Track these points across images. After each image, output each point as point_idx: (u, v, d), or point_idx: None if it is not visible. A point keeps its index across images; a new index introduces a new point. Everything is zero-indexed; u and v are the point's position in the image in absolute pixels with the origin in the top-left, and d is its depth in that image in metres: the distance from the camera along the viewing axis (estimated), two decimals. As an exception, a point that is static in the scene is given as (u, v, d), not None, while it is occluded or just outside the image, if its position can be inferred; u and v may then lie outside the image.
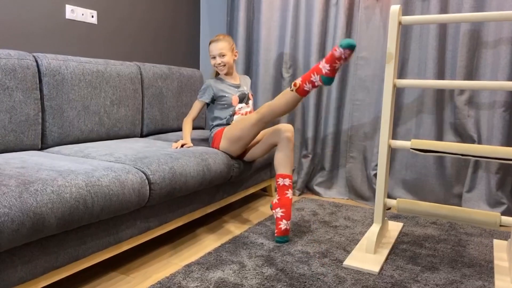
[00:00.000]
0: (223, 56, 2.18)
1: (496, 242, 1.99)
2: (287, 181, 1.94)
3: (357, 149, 2.75)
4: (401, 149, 2.61)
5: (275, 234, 1.91)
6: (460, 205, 2.48)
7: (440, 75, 2.47)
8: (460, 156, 1.72)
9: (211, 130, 2.25)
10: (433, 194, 2.57)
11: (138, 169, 1.57)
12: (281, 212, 1.91)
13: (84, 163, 1.50)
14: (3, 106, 1.64)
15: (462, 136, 2.46)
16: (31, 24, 2.05)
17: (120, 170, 1.47)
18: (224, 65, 2.20)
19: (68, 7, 2.25)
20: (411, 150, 1.81)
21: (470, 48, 2.38)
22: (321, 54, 2.77)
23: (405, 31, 2.54)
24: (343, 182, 2.84)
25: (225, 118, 2.21)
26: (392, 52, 1.79)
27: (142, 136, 2.38)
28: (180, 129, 2.64)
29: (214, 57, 2.19)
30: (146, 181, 1.55)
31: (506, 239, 2.04)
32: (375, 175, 2.61)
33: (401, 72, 2.58)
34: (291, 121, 2.91)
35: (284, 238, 1.90)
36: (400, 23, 1.80)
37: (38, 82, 1.77)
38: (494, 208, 2.35)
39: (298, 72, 2.86)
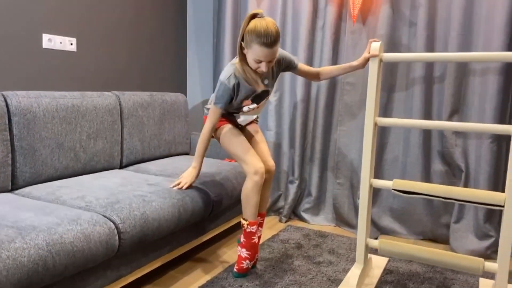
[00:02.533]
0: (270, 62, 1.73)
1: (482, 281, 1.93)
2: (254, 228, 1.88)
3: (344, 175, 2.69)
4: (389, 172, 2.56)
5: (235, 269, 1.91)
6: (447, 236, 2.43)
7: (428, 102, 2.42)
8: (443, 199, 1.67)
9: (204, 109, 2.05)
10: (421, 223, 2.51)
11: (107, 218, 1.51)
12: (247, 253, 1.88)
13: (50, 213, 1.44)
14: (-31, 151, 1.58)
15: (450, 165, 2.41)
16: (4, 56, 2.00)
17: (87, 223, 1.41)
18: (266, 70, 1.74)
19: (45, 36, 2.19)
20: (392, 191, 1.76)
21: (457, 76, 2.33)
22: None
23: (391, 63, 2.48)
24: (330, 208, 2.78)
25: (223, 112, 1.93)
26: (373, 90, 1.74)
27: (121, 167, 2.32)
28: (162, 157, 2.58)
29: (260, 61, 1.70)
30: (115, 230, 1.49)
31: (492, 278, 1.99)
32: (362, 203, 2.55)
33: (388, 98, 2.52)
34: (277, 146, 2.86)
35: (243, 275, 1.91)
36: (381, 60, 1.75)
37: (7, 122, 1.72)
38: (482, 240, 2.30)
39: (285, 96, 2.80)
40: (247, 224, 1.86)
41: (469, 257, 1.65)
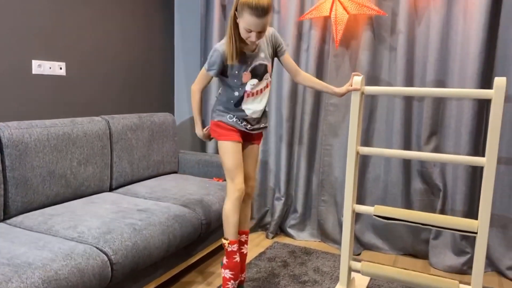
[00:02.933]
0: (260, 33, 1.73)
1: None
2: (243, 237, 1.99)
3: (328, 193, 2.78)
4: (371, 190, 2.66)
5: None
6: (427, 251, 2.54)
7: (407, 123, 2.52)
8: (421, 226, 1.76)
9: (212, 113, 1.99)
10: (401, 240, 2.62)
11: (99, 250, 1.56)
12: (230, 274, 1.90)
13: (44, 247, 1.49)
14: (-38, 185, 1.61)
15: (429, 184, 2.52)
16: (-5, 86, 2.03)
17: (80, 257, 1.47)
18: (256, 41, 1.75)
19: (35, 62, 2.23)
20: (374, 216, 1.85)
21: (435, 99, 2.44)
22: (293, 97, 2.79)
23: (374, 82, 2.58)
24: (315, 224, 2.87)
25: (230, 103, 1.89)
26: (355, 122, 1.82)
27: (111, 189, 2.37)
28: (151, 177, 2.63)
29: (250, 31, 1.71)
30: (108, 262, 1.55)
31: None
32: (346, 221, 2.64)
33: (369, 120, 2.62)
34: (264, 163, 2.93)
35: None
36: (363, 93, 1.83)
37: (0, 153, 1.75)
38: (459, 257, 2.41)
39: (271, 115, 2.88)
40: (228, 243, 1.90)
41: (445, 280, 1.75)
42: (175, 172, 2.87)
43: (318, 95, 2.76)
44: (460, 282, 2.18)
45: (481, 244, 1.66)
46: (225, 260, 1.95)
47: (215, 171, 2.76)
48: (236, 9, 1.75)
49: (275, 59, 1.99)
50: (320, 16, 2.59)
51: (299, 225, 2.88)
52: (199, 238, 2.14)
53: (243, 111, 1.92)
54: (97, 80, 2.59)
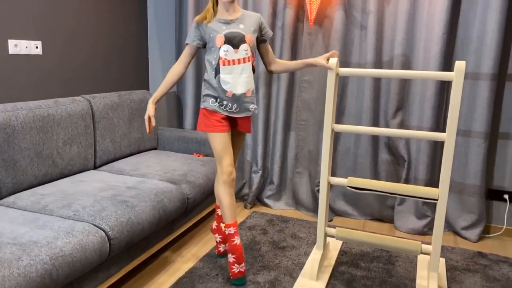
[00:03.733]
0: None
1: (420, 257, 2.29)
2: (232, 230, 1.93)
3: (302, 165, 2.96)
4: (342, 162, 2.85)
5: (231, 277, 1.96)
6: (392, 216, 2.79)
7: (376, 99, 2.69)
8: (389, 195, 1.96)
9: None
10: (369, 206, 2.85)
11: (97, 227, 1.66)
12: (233, 258, 1.93)
13: (44, 226, 1.57)
14: (-45, 169, 1.64)
15: (395, 155, 2.74)
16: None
17: (81, 233, 1.56)
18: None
19: (11, 42, 2.20)
20: (347, 187, 2.03)
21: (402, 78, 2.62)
22: (269, 76, 2.90)
23: (345, 60, 2.72)
24: (290, 194, 3.06)
25: (211, 74, 1.89)
26: (330, 101, 1.97)
27: (95, 168, 2.43)
28: (132, 154, 2.70)
29: None
30: (106, 238, 1.65)
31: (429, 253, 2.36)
32: (318, 190, 2.84)
33: (342, 96, 2.78)
34: (241, 138, 3.05)
35: (240, 281, 1.95)
36: (337, 74, 1.97)
37: (-12, 137, 1.78)
38: (420, 220, 2.68)
39: (247, 91, 2.97)
40: (224, 226, 1.98)
41: (409, 241, 1.98)
42: (155, 149, 2.95)
43: (292, 73, 2.87)
44: (422, 242, 2.45)
45: (441, 209, 1.88)
46: (214, 224, 2.09)
47: (195, 147, 2.86)
48: None
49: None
50: (294, -4, 2.68)
51: (275, 195, 3.05)
52: (185, 212, 2.26)
53: (222, 88, 1.88)
54: (73, 59, 2.58)
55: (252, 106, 1.98)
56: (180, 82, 3.19)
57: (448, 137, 1.82)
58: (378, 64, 2.66)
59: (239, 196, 3.13)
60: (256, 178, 3.03)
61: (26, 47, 2.28)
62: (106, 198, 1.88)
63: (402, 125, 2.67)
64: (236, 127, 2.03)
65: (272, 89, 2.94)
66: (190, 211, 2.37)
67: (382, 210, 2.83)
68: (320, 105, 2.83)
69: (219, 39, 1.84)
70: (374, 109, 2.70)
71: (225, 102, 1.92)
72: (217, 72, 1.88)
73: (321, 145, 2.82)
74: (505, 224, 2.62)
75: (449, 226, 2.69)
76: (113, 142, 2.50)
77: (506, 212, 2.60)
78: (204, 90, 1.96)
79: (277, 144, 2.96)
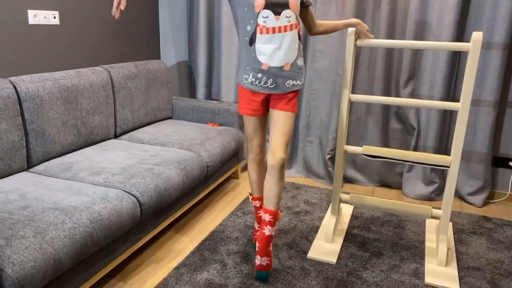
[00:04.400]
0: None
1: (428, 221, 2.41)
2: (267, 217, 1.76)
3: (314, 134, 3.03)
4: (353, 131, 2.93)
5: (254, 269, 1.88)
6: (401, 183, 2.89)
7: (388, 69, 2.74)
8: (402, 162, 2.05)
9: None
10: (378, 173, 2.95)
11: (129, 193, 1.75)
12: (258, 246, 1.79)
13: (79, 193, 1.66)
14: (-9, 139, 1.72)
15: (405, 124, 2.81)
16: (-3, 39, 2.04)
17: (115, 199, 1.65)
18: None
19: (31, 12, 2.22)
20: (362, 155, 2.11)
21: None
22: (281, 45, 2.92)
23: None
24: (301, 162, 3.15)
25: (245, 43, 1.70)
26: (348, 72, 2.02)
27: (116, 137, 2.50)
28: (149, 123, 2.77)
29: None
30: (137, 203, 1.74)
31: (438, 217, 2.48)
32: (330, 158, 2.93)
33: (354, 64, 2.81)
34: (253, 107, 3.11)
35: (261, 274, 1.78)
36: (355, 45, 2.01)
37: (19, 108, 1.84)
38: (428, 186, 2.78)
39: (259, 61, 3.01)
40: (251, 198, 2.03)
41: (420, 206, 2.08)
42: (170, 118, 3.01)
43: (305, 42, 2.90)
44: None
45: (452, 176, 1.97)
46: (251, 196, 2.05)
47: (209, 117, 2.92)
48: None
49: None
50: (309, -36, 2.66)
51: (287, 163, 3.15)
52: (205, 178, 2.35)
53: (258, 60, 1.69)
54: (89, 29, 2.60)
55: (289, 82, 1.73)
56: (192, 51, 3.21)
57: (463, 106, 1.88)
58: (390, 34, 2.69)
59: (252, 164, 3.22)
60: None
61: (45, 17, 2.30)
62: (133, 166, 1.97)
63: (413, 95, 2.73)
64: (275, 107, 1.77)
65: (284, 58, 2.97)
66: (209, 178, 2.47)
67: (390, 177, 2.94)
68: (332, 75, 2.87)
69: (259, 3, 1.62)
70: (385, 78, 2.74)
71: (259, 75, 1.72)
72: (252, 40, 1.67)
73: (333, 114, 2.88)
74: (509, 190, 2.73)
75: (455, 192, 2.80)
76: (132, 112, 2.56)
77: (511, 179, 2.71)
78: (241, 63, 1.78)
79: (289, 113, 3.02)
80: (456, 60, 2.60)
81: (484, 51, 2.51)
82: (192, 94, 3.32)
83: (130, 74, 2.54)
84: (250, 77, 1.74)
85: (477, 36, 1.79)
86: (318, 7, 2.79)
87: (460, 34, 2.56)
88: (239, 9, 1.69)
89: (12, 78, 1.86)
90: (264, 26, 1.65)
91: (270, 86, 1.73)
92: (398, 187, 2.93)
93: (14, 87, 1.84)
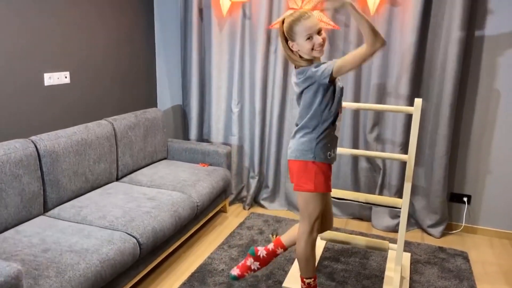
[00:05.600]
0: (320, 32, 1.76)
1: (390, 252, 2.77)
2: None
3: (294, 171, 3.40)
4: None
5: (233, 272, 2.13)
6: (370, 216, 3.25)
7: (356, 117, 3.13)
8: (362, 203, 2.42)
9: None
10: (351, 207, 3.32)
11: (130, 235, 2.10)
12: (258, 265, 2.13)
13: (90, 236, 2.00)
14: (16, 191, 2.07)
15: (372, 163, 3.19)
16: (15, 98, 2.42)
17: (119, 241, 2.00)
18: (324, 44, 1.78)
19: (46, 75, 2.60)
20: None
21: (378, 97, 3.05)
22: (263, 94, 3.32)
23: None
24: (283, 196, 3.51)
25: (329, 123, 1.90)
26: (315, 128, 2.40)
27: (117, 179, 2.85)
28: (147, 165, 3.13)
29: (311, 37, 1.74)
30: (137, 244, 2.09)
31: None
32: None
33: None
34: (240, 148, 3.49)
35: (235, 277, 2.13)
36: (321, 106, 2.40)
37: (38, 163, 2.20)
38: (393, 219, 3.14)
39: (245, 107, 3.40)
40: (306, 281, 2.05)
41: (380, 241, 2.44)
42: (165, 158, 3.37)
43: (285, 91, 3.29)
44: (392, 239, 2.92)
45: (403, 215, 2.34)
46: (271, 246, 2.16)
47: (200, 157, 3.29)
48: (286, 39, 1.81)
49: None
50: (286, 27, 3.08)
51: (270, 197, 3.51)
52: (194, 216, 2.70)
53: (336, 136, 1.99)
54: (96, 85, 2.99)
55: (291, 149, 1.95)
56: (185, 96, 3.59)
57: (409, 158, 2.27)
58: (357, 86, 3.09)
59: (239, 198, 3.58)
60: (253, 182, 3.47)
61: (58, 78, 2.69)
62: (133, 209, 2.32)
63: (378, 139, 3.12)
64: None
65: (266, 105, 3.36)
66: (199, 216, 2.82)
67: (361, 211, 3.30)
68: (309, 120, 3.25)
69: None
70: (354, 125, 3.14)
71: (335, 150, 1.99)
72: (334, 120, 1.90)
73: (310, 155, 3.25)
74: (463, 222, 3.10)
75: (417, 224, 3.17)
76: (132, 157, 2.93)
77: (464, 212, 3.08)
78: (314, 142, 1.88)
79: (271, 153, 3.40)
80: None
81: (436, 102, 2.91)
82: (186, 135, 3.69)
83: (130, 124, 2.91)
84: (332, 153, 1.94)
85: (418, 102, 2.19)
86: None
87: (417, 88, 2.96)
88: (328, 94, 1.81)
89: (33, 138, 2.23)
90: (338, 119, 1.93)
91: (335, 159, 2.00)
92: (368, 219, 3.29)
93: (35, 145, 2.20)
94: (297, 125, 1.93)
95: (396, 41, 2.91)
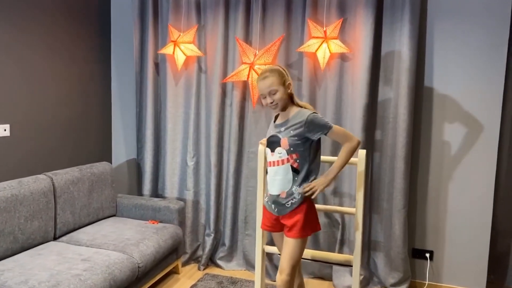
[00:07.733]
0: (274, 94, 1.96)
1: (349, 315, 2.57)
2: None
3: (251, 228, 3.24)
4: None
5: None
6: (331, 275, 3.07)
7: (313, 170, 3.05)
8: (315, 261, 2.26)
9: None
10: (311, 265, 3.14)
11: (50, 302, 1.88)
12: None
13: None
14: None
15: (331, 218, 3.06)
16: None
17: (34, 310, 1.78)
18: (276, 104, 1.97)
19: (-18, 128, 2.47)
20: (278, 255, 2.32)
21: (333, 151, 3.00)
22: (220, 146, 3.23)
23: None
24: (241, 255, 3.31)
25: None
26: (261, 177, 2.30)
27: (55, 238, 2.64)
28: (91, 223, 2.93)
29: (265, 97, 1.98)
30: (58, 312, 1.87)
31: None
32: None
33: (283, 166, 3.13)
34: (195, 203, 3.34)
35: None
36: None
37: (-46, 221, 2.01)
38: (355, 278, 2.97)
39: (201, 160, 3.30)
40: None
41: (333, 303, 2.26)
42: (114, 215, 3.18)
43: (240, 144, 3.22)
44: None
45: (355, 272, 2.19)
46: None
47: (150, 214, 3.11)
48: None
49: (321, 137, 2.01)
50: (239, 80, 3.08)
51: (227, 256, 3.31)
52: (136, 279, 2.48)
53: (267, 187, 2.12)
54: (39, 137, 2.86)
55: (288, 203, 2.00)
56: (140, 149, 3.48)
57: (357, 211, 2.16)
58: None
59: (194, 258, 3.36)
60: (209, 240, 3.28)
61: (-4, 131, 2.56)
62: (62, 272, 2.10)
63: (335, 192, 3.02)
64: (282, 229, 2.09)
65: (223, 158, 3.27)
66: (141, 278, 2.59)
67: (322, 270, 3.12)
68: (265, 174, 3.16)
69: (264, 142, 2.16)
70: (311, 178, 3.05)
71: (266, 199, 2.16)
72: (266, 171, 2.14)
73: (266, 210, 3.12)
74: (427, 280, 2.94)
75: (381, 283, 3.00)
76: (73, 214, 2.74)
77: (427, 270, 2.94)
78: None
79: (228, 208, 3.25)
80: (369, 163, 2.94)
81: (390, 158, 2.87)
82: (140, 190, 3.53)
83: (73, 178, 2.75)
84: (266, 199, 2.15)
85: (361, 153, 2.13)
86: (250, 115, 3.16)
87: (371, 136, 2.93)
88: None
89: (-48, 194, 2.05)
90: (268, 160, 2.08)
91: (274, 210, 2.08)
92: (329, 278, 3.10)
93: (-48, 202, 2.02)
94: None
95: (348, 95, 2.91)
